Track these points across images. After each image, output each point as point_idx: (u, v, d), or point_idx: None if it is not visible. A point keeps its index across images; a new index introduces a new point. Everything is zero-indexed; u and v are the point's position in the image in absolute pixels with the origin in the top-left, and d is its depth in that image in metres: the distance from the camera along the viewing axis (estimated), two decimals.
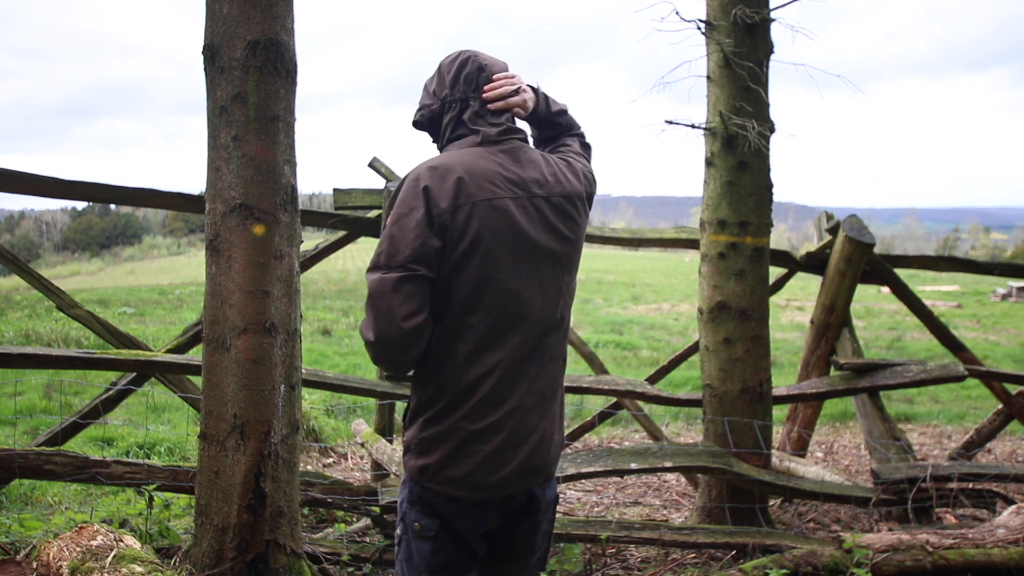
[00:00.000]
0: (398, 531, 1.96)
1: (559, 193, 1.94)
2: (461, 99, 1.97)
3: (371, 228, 5.08)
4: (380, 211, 5.05)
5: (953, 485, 4.35)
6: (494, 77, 1.98)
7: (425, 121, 2.03)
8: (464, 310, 1.83)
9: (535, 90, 2.08)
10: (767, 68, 4.10)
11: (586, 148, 2.18)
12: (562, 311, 1.96)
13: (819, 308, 5.21)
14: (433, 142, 2.06)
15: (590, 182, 2.06)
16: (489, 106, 1.96)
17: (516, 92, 1.99)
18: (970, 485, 4.42)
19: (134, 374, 4.42)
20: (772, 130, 4.14)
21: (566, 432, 4.03)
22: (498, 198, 1.84)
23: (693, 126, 4.16)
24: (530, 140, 2.08)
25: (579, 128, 2.20)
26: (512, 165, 1.91)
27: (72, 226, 71.32)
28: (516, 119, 2.03)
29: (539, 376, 1.91)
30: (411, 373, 1.94)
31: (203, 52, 2.73)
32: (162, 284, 23.98)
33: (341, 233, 5.11)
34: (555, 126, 2.15)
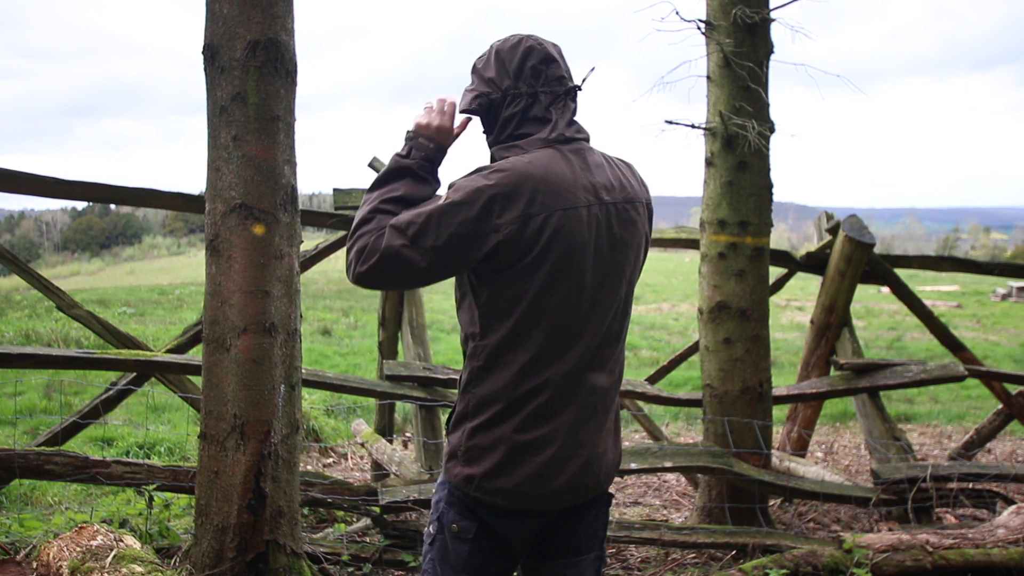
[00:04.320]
0: (430, 529, 1.90)
1: (624, 199, 1.85)
2: (528, 93, 1.84)
3: None
4: None
5: (953, 485, 4.35)
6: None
7: (481, 110, 1.89)
8: (526, 322, 1.76)
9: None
10: (767, 68, 4.10)
11: None
12: (621, 323, 1.89)
13: (819, 308, 5.21)
14: (483, 132, 1.93)
15: (647, 188, 1.97)
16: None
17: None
18: (970, 485, 4.42)
19: (134, 374, 4.42)
20: (772, 130, 4.14)
21: None
22: (573, 207, 1.75)
23: (693, 126, 4.16)
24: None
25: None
26: (583, 169, 1.81)
27: (72, 226, 71.33)
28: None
29: (595, 390, 1.85)
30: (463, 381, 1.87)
31: (203, 52, 2.74)
32: (162, 284, 23.98)
33: (341, 233, 5.11)
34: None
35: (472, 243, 1.71)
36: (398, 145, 1.90)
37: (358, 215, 1.82)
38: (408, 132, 1.90)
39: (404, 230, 1.73)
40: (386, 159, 5.23)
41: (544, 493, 1.81)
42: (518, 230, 1.71)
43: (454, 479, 1.83)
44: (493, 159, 1.89)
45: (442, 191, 1.81)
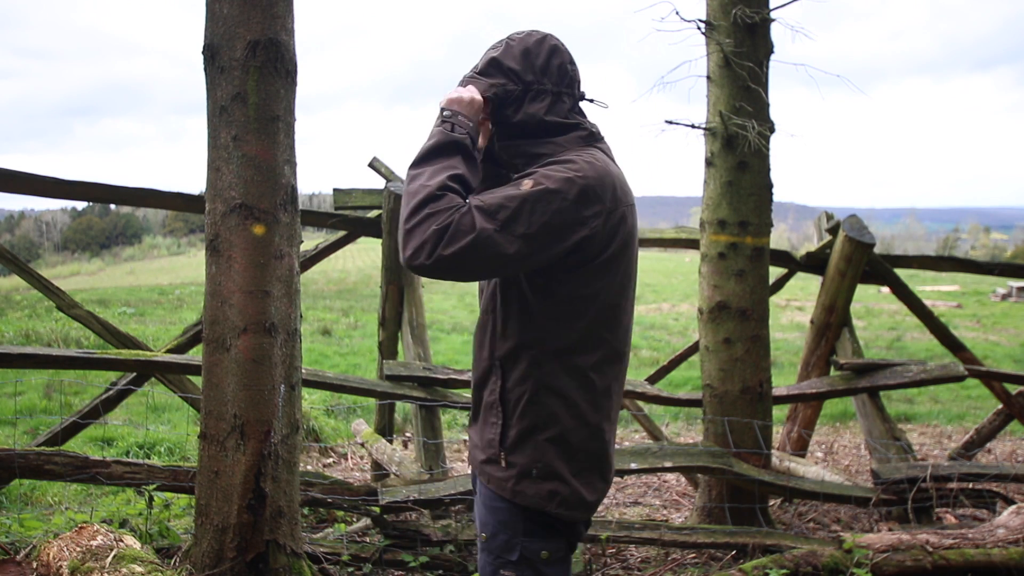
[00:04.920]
0: (507, 573, 1.73)
1: (633, 199, 1.91)
2: (553, 92, 1.79)
3: (371, 228, 5.08)
4: (380, 211, 5.06)
5: (953, 485, 4.35)
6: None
7: (496, 100, 1.79)
8: (598, 321, 1.73)
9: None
10: (767, 68, 4.10)
11: None
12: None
13: (819, 308, 5.21)
14: (492, 124, 1.84)
15: None
16: None
17: None
18: (970, 485, 4.42)
19: (134, 374, 4.42)
20: (772, 130, 4.14)
21: None
22: (632, 204, 1.76)
23: (693, 126, 4.16)
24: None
25: None
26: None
27: (72, 226, 71.36)
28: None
29: (623, 387, 1.87)
30: (495, 395, 1.76)
31: (203, 52, 2.73)
32: (162, 284, 24.00)
33: (341, 233, 5.11)
34: None
35: (561, 234, 1.64)
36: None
37: (420, 190, 1.64)
38: (445, 111, 1.77)
39: (494, 213, 1.60)
40: (386, 159, 5.24)
41: (601, 496, 1.82)
42: (601, 225, 1.68)
43: (531, 500, 1.72)
44: (512, 153, 1.82)
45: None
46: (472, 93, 1.78)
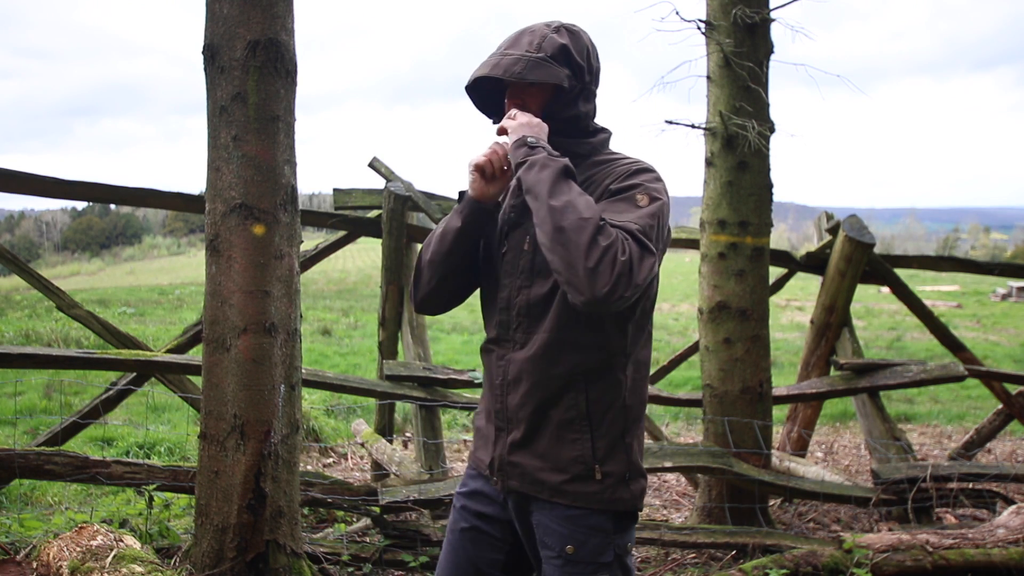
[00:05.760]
0: None
1: None
2: (595, 93, 1.82)
3: (371, 228, 5.08)
4: (380, 211, 5.06)
5: (953, 485, 4.35)
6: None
7: (560, 92, 1.73)
8: (651, 316, 1.80)
9: None
10: (767, 68, 4.10)
11: None
12: None
13: (819, 308, 5.21)
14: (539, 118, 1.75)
15: None
16: None
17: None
18: (970, 485, 4.42)
19: (134, 374, 4.42)
20: (772, 130, 4.14)
21: None
22: None
23: (693, 126, 4.16)
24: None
25: None
26: None
27: (72, 226, 71.40)
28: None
29: None
30: (579, 407, 1.70)
31: (203, 52, 2.74)
32: (162, 284, 24.01)
33: (341, 233, 5.11)
34: None
35: (668, 240, 1.71)
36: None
37: (584, 223, 1.52)
38: (529, 138, 1.67)
39: (648, 234, 1.58)
40: (386, 159, 5.24)
41: None
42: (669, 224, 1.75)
43: (628, 504, 1.72)
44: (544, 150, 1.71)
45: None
46: (530, 118, 1.71)
